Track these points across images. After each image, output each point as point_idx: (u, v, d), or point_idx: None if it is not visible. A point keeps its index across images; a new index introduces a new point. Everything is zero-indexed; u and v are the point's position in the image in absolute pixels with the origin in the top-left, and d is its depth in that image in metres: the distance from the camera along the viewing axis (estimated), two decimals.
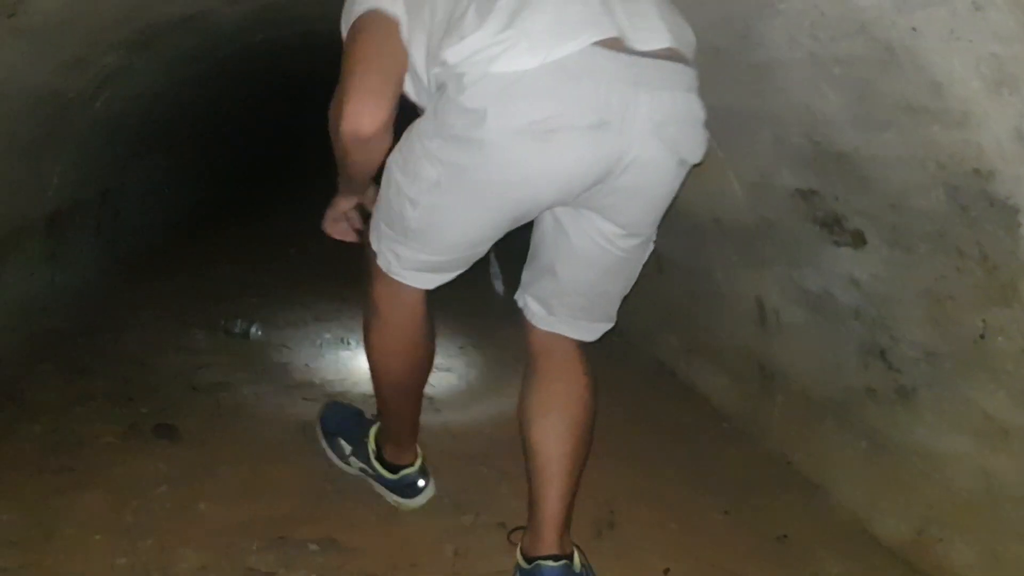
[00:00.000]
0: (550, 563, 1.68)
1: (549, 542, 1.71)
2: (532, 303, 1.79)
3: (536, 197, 1.54)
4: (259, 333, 3.47)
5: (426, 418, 2.23)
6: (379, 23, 1.58)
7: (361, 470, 2.20)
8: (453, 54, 1.42)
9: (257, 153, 8.69)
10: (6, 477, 2.15)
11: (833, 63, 1.60)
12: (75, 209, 3.86)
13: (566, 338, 1.79)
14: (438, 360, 2.15)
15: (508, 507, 2.16)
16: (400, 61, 1.59)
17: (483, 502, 2.19)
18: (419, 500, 2.13)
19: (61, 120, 3.19)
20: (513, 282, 1.90)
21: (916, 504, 1.94)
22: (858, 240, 1.94)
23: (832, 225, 2.02)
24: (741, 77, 2.02)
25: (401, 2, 1.59)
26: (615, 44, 1.42)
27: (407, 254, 1.66)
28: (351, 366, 3.22)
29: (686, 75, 1.53)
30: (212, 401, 2.77)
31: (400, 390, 1.92)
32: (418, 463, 2.11)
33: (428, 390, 2.23)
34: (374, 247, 1.73)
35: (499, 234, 1.63)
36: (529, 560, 1.73)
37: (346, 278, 2.85)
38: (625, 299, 1.82)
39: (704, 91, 2.13)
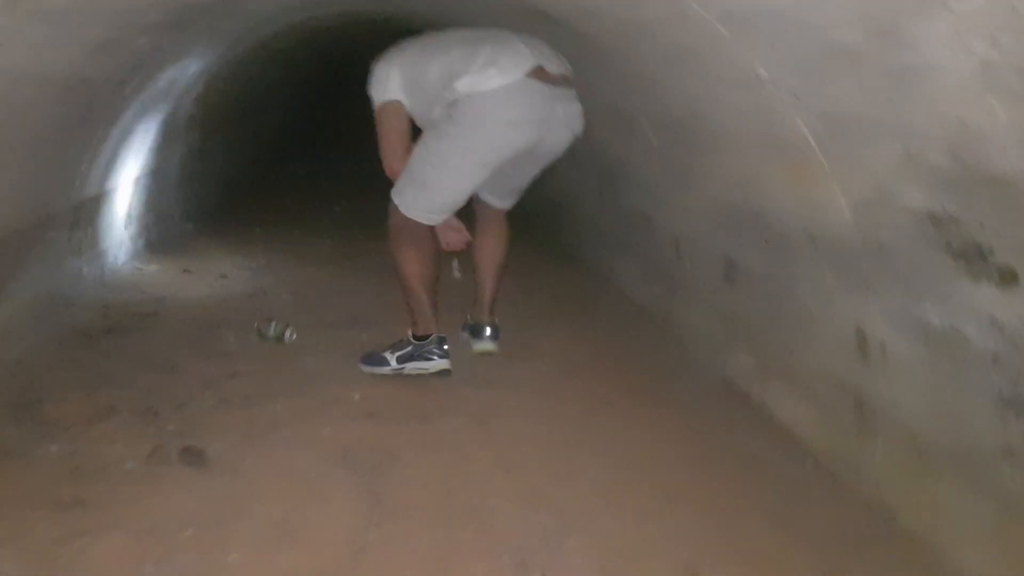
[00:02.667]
0: (485, 320, 3.23)
1: (485, 313, 3.23)
2: (481, 189, 3.04)
3: (502, 155, 2.79)
4: (294, 337, 3.23)
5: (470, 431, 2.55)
6: (393, 107, 2.91)
7: (398, 359, 2.98)
8: (461, 85, 2.70)
9: (295, 131, 8.46)
10: (16, 514, 1.92)
11: (1014, 74, 1.30)
12: (104, 198, 3.64)
13: (494, 206, 3.22)
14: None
15: (578, 566, 1.90)
16: (408, 125, 2.94)
17: (548, 561, 1.91)
18: (443, 363, 2.97)
19: (89, 106, 2.95)
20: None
21: None
22: (1007, 277, 1.63)
23: (972, 257, 1.72)
24: (872, 81, 1.72)
25: (401, 90, 2.89)
26: (541, 72, 2.74)
27: (420, 202, 2.84)
28: (394, 376, 2.97)
29: (573, 92, 2.92)
30: (244, 418, 2.54)
31: (423, 283, 2.93)
32: (443, 334, 3.00)
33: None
34: (396, 200, 2.87)
35: (479, 184, 2.90)
36: (474, 323, 3.26)
37: (383, 275, 3.21)
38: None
39: (813, 93, 1.86)
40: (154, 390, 2.66)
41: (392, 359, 2.97)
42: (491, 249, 3.23)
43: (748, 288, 2.96)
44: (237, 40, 3.99)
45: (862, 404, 2.34)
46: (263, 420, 2.52)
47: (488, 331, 3.24)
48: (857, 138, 1.96)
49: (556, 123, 2.84)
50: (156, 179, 4.36)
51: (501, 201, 3.21)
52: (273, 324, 3.24)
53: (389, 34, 3.41)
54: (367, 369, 2.98)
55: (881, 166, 1.92)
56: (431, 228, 2.92)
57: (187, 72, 3.88)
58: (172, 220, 4.73)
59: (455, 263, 4.26)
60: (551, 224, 5.46)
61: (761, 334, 2.90)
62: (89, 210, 3.44)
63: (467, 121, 2.71)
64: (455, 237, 3.08)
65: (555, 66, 2.82)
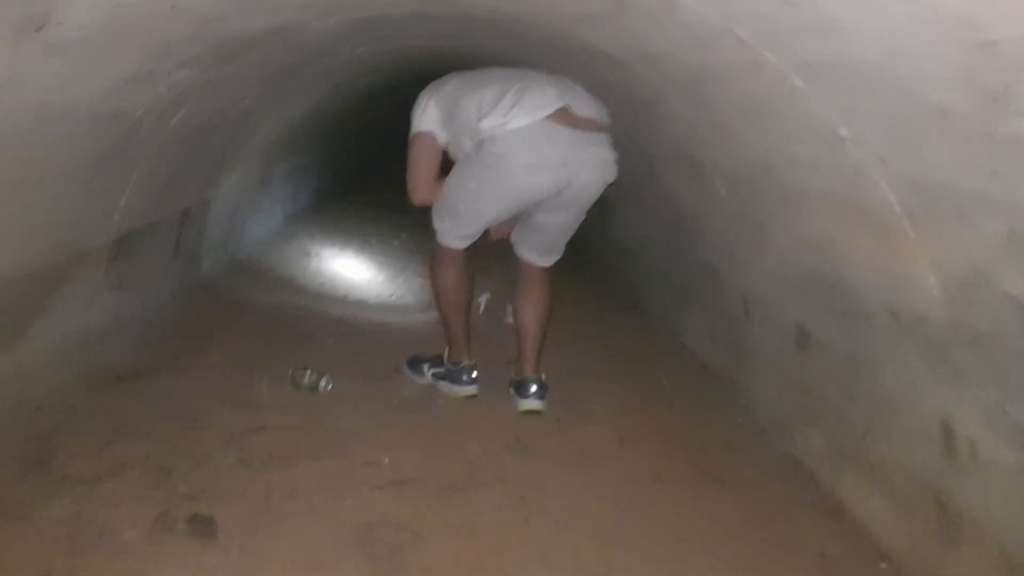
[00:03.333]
0: (530, 376, 3.10)
1: (529, 369, 3.11)
2: (520, 248, 3.17)
3: (528, 198, 2.86)
4: (328, 387, 3.05)
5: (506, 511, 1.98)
6: (426, 139, 3.01)
7: (433, 375, 3.22)
8: (486, 124, 2.73)
9: (360, 161, 8.37)
10: None
11: None
12: (149, 231, 3.52)
13: (535, 264, 3.16)
14: None
15: None
16: (437, 157, 3.05)
17: None
18: (470, 389, 3.15)
19: (128, 139, 2.84)
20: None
21: None
22: None
23: None
24: (975, 149, 1.47)
25: (436, 122, 2.98)
26: (566, 114, 2.73)
27: (454, 231, 2.99)
28: (430, 437, 2.77)
29: (603, 138, 2.86)
30: (263, 481, 2.35)
31: (455, 306, 3.14)
32: (473, 362, 3.18)
33: None
34: (436, 226, 3.04)
35: (505, 218, 3.00)
36: (519, 379, 3.12)
37: (433, 317, 3.26)
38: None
39: (902, 156, 1.63)
40: (173, 444, 2.51)
41: (428, 373, 3.23)
42: (534, 307, 3.17)
43: (821, 360, 2.69)
44: (293, 72, 3.87)
45: (945, 506, 2.05)
46: (283, 485, 2.34)
47: (534, 388, 3.09)
48: (952, 210, 1.70)
49: (583, 167, 2.80)
50: (209, 210, 4.27)
51: (542, 259, 3.15)
52: (308, 372, 3.07)
53: (451, 69, 3.25)
54: (407, 374, 3.29)
55: (980, 244, 1.66)
56: (463, 256, 3.08)
57: (241, 103, 3.77)
58: (224, 252, 4.62)
59: (508, 308, 4.10)
60: (614, 268, 5.23)
61: (834, 412, 2.62)
62: (131, 243, 3.33)
63: (492, 161, 2.77)
64: (499, 227, 3.19)
65: (585, 110, 2.80)
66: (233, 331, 3.64)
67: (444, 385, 3.17)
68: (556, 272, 3.20)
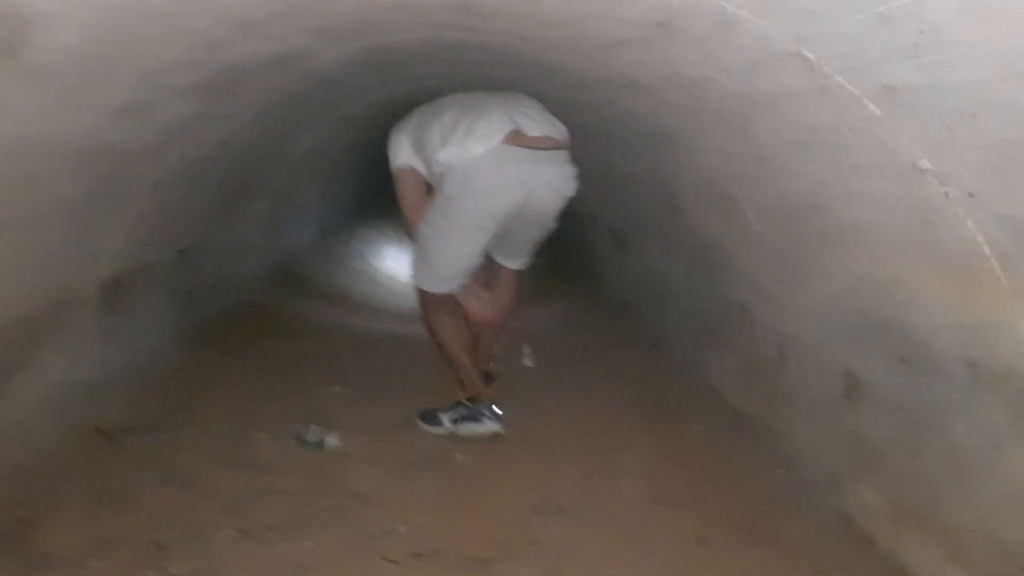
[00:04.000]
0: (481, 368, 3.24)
1: (483, 361, 3.29)
2: (491, 252, 3.16)
3: (492, 221, 2.89)
4: (336, 443, 2.82)
5: None
6: (406, 173, 3.09)
7: (452, 421, 3.06)
8: (443, 156, 2.86)
9: (367, 194, 8.12)
10: None
11: None
12: (142, 274, 3.32)
13: (504, 266, 3.28)
14: None
15: None
16: (422, 186, 3.09)
17: None
18: (494, 426, 3.03)
19: (121, 176, 2.64)
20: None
21: None
22: None
23: None
24: None
25: (411, 155, 3.05)
26: (517, 136, 2.83)
27: (432, 275, 3.02)
28: (450, 499, 2.54)
29: (560, 155, 2.97)
30: (265, 558, 2.12)
31: (458, 343, 3.10)
32: (488, 400, 3.10)
33: None
34: (415, 274, 3.10)
35: (481, 249, 2.98)
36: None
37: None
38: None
39: (998, 192, 1.42)
40: (165, 513, 2.27)
41: (446, 420, 3.07)
42: (498, 305, 3.31)
43: (876, 410, 2.46)
44: (299, 102, 3.67)
45: None
46: (287, 562, 2.10)
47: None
48: None
49: (540, 185, 2.89)
50: (208, 249, 4.05)
51: (509, 261, 3.29)
52: (312, 428, 2.85)
53: None
54: (423, 427, 3.09)
55: None
56: (450, 299, 3.08)
57: (242, 135, 3.57)
58: (223, 295, 4.38)
59: (525, 349, 3.95)
60: (632, 304, 5.01)
61: (893, 468, 2.39)
62: (123, 288, 3.12)
63: (453, 192, 2.86)
64: (476, 307, 3.20)
65: (538, 130, 2.90)
66: (232, 380, 3.40)
67: (466, 426, 3.04)
68: (571, 304, 3.67)
